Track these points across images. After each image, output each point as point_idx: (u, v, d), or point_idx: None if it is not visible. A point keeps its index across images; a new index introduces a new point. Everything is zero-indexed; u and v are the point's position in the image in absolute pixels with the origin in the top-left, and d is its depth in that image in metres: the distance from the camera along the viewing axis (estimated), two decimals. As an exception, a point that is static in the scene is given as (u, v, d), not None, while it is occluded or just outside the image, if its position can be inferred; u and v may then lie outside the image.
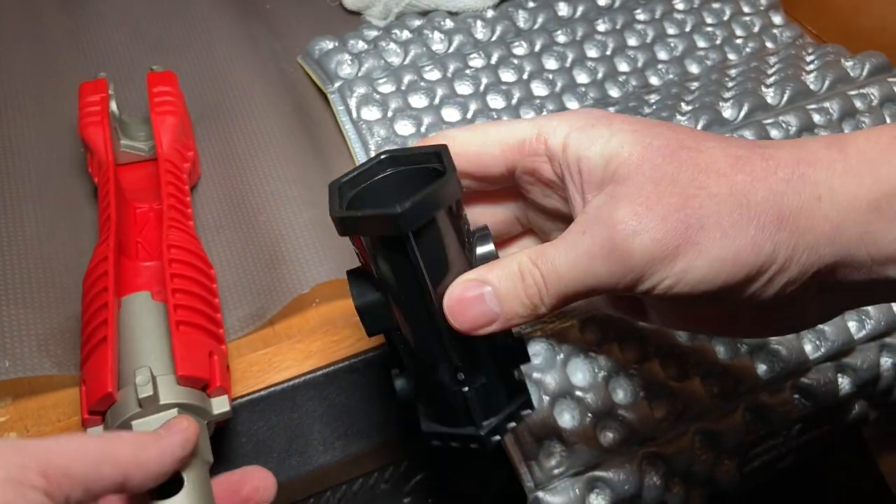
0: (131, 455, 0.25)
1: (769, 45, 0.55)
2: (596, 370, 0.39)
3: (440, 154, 0.27)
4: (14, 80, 0.48)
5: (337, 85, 0.49)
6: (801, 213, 0.24)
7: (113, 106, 0.41)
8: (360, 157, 0.46)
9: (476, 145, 0.29)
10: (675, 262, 0.24)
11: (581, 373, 0.39)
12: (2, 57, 0.49)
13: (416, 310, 0.27)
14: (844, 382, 0.43)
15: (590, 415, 0.38)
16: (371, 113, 0.48)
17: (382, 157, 0.28)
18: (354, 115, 0.48)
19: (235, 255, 0.41)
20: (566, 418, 0.38)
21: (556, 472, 0.37)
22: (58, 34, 0.51)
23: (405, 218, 0.25)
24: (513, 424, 0.29)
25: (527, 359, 0.29)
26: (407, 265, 0.26)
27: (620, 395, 0.39)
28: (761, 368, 0.41)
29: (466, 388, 0.27)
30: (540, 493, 0.36)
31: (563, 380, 0.38)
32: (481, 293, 0.26)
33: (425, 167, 0.28)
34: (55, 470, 0.24)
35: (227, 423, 0.36)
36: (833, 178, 0.24)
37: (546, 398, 0.38)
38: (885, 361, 0.44)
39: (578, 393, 0.38)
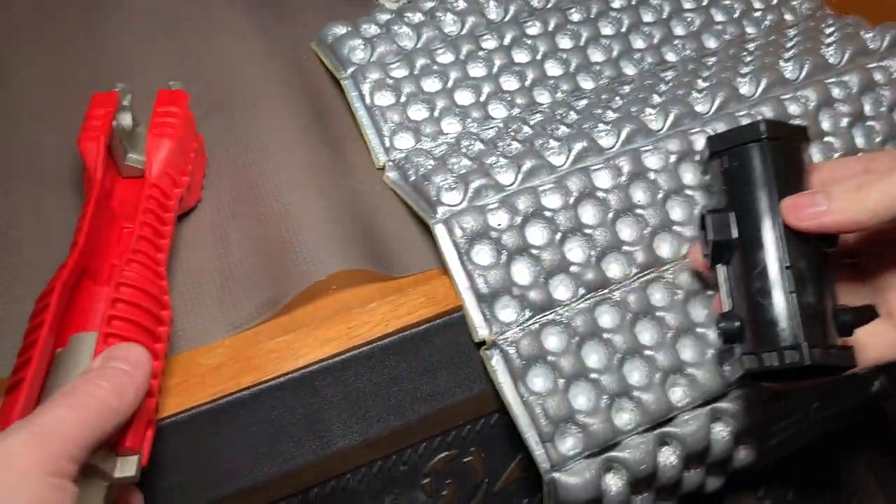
0: (117, 403, 0.27)
1: (788, 17, 0.54)
2: (611, 352, 0.39)
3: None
4: (32, 86, 0.48)
5: (350, 70, 0.49)
6: None
7: (126, 119, 0.40)
8: (375, 144, 0.47)
9: None
10: None
11: (596, 354, 0.39)
12: (21, 63, 0.49)
13: (759, 210, 0.34)
14: (864, 360, 0.43)
15: (605, 396, 0.38)
16: (384, 98, 0.48)
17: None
18: (368, 100, 0.48)
19: (250, 243, 0.42)
20: (581, 400, 0.38)
21: (571, 453, 0.37)
22: (77, 38, 0.51)
23: (767, 125, 0.35)
24: (836, 364, 0.32)
25: (849, 331, 0.33)
26: (760, 168, 0.35)
27: (636, 376, 0.39)
28: (778, 348, 0.41)
29: (794, 294, 0.32)
30: (556, 475, 0.37)
31: (578, 362, 0.39)
32: (815, 195, 0.33)
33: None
34: (78, 450, 0.25)
35: (247, 409, 0.36)
36: None
37: (561, 381, 0.38)
38: (907, 338, 0.43)
39: (593, 375, 0.38)
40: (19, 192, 0.43)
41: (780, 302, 0.33)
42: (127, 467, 0.29)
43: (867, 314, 0.34)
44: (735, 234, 0.34)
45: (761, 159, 0.35)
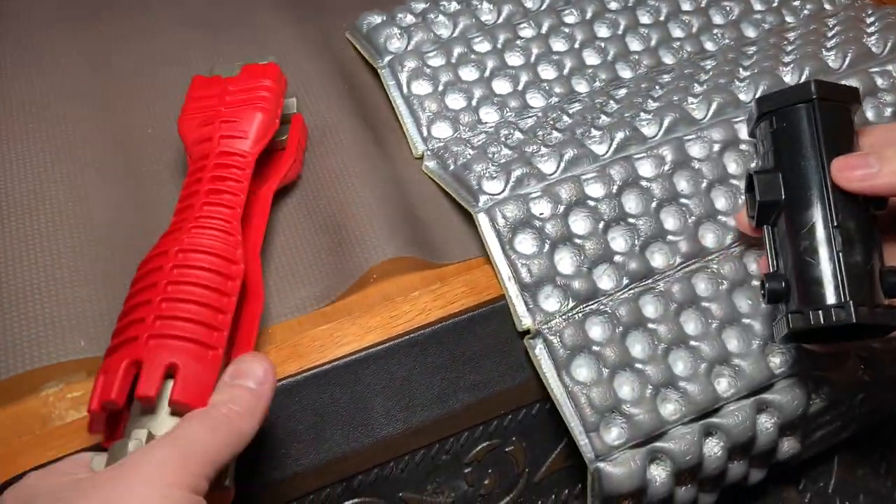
0: (248, 427, 0.28)
1: (827, 6, 0.53)
2: (655, 342, 0.39)
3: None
4: (83, 72, 0.48)
5: (387, 59, 0.49)
6: None
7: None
8: (413, 133, 0.46)
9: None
10: None
11: (640, 345, 0.39)
12: (63, 47, 0.49)
13: (807, 170, 0.34)
14: (910, 352, 0.42)
15: (650, 387, 0.38)
16: (422, 87, 0.48)
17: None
18: (405, 89, 0.48)
19: (298, 235, 0.41)
20: (626, 391, 0.38)
21: (616, 443, 0.37)
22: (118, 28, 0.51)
23: (818, 85, 0.35)
24: (884, 323, 0.32)
25: None
26: (809, 127, 0.35)
27: (680, 366, 0.39)
28: (825, 339, 0.40)
29: (841, 252, 0.32)
30: (601, 464, 0.37)
31: (623, 352, 0.38)
32: (867, 156, 0.33)
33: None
34: (213, 470, 0.26)
35: (292, 396, 0.37)
36: None
37: (606, 370, 0.38)
38: (953, 330, 0.43)
39: (638, 365, 0.38)
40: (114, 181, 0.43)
41: (827, 261, 0.33)
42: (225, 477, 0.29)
43: None
44: (783, 194, 0.34)
45: (810, 120, 0.35)
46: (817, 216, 0.33)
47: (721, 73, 0.47)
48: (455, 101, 0.47)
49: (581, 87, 0.49)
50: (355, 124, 0.46)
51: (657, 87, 0.47)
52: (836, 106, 0.35)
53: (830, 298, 0.32)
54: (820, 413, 0.41)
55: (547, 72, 0.49)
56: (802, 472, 0.45)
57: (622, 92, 0.48)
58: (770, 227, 0.35)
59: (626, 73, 0.50)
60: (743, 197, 0.42)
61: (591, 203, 0.41)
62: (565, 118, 0.46)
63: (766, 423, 0.39)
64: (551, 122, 0.46)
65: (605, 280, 0.40)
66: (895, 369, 0.42)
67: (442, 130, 0.46)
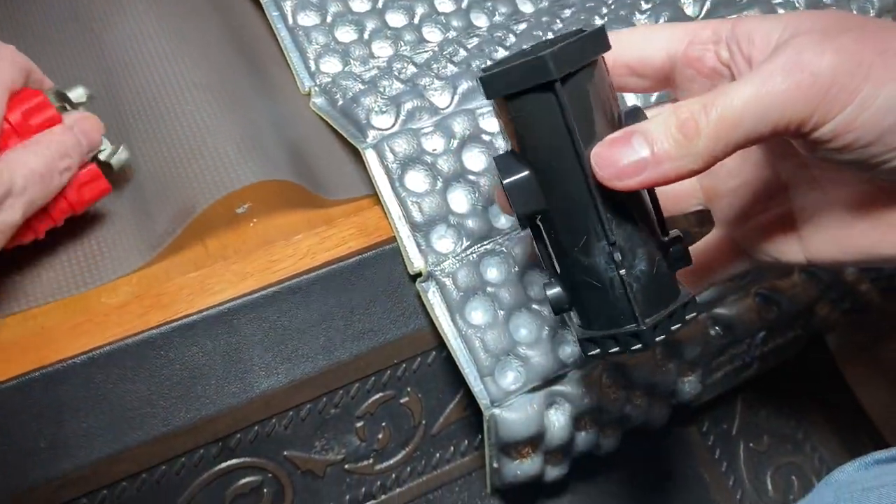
0: None
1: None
2: (553, 282, 0.37)
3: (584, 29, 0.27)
4: None
5: (270, -12, 0.45)
6: None
7: None
8: (299, 67, 0.43)
9: (640, 37, 0.29)
10: (867, 82, 0.23)
11: (537, 286, 0.37)
12: None
13: (566, 173, 0.26)
14: (810, 287, 0.42)
15: (547, 328, 0.36)
16: (308, 18, 0.44)
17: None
18: (290, 21, 0.44)
19: (157, 161, 0.37)
20: (523, 333, 0.36)
21: (512, 388, 0.35)
22: None
23: (556, 59, 0.25)
24: (678, 326, 0.27)
25: (688, 261, 0.28)
26: (555, 119, 0.25)
27: (579, 306, 0.37)
28: (725, 275, 0.39)
29: (623, 272, 0.26)
30: (497, 411, 0.35)
31: (519, 293, 0.36)
32: (629, 138, 0.25)
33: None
34: None
35: (157, 349, 0.33)
36: None
37: (501, 312, 0.36)
38: (851, 266, 0.43)
39: (535, 306, 0.36)
40: None
41: (610, 283, 0.27)
42: None
43: (700, 226, 0.30)
44: (544, 203, 0.27)
45: (556, 110, 0.25)
46: (589, 231, 0.27)
47: (622, 5, 0.45)
48: (345, 33, 0.44)
49: (480, 20, 0.46)
50: (229, 54, 0.42)
51: (558, 21, 0.45)
52: (585, 75, 0.26)
53: (621, 323, 0.27)
54: (720, 352, 0.40)
55: (444, 4, 0.46)
56: (706, 414, 0.45)
57: (523, 26, 0.45)
58: (539, 223, 0.28)
59: (527, 7, 0.47)
60: None
61: (487, 138, 0.39)
62: (462, 52, 0.43)
63: (665, 363, 0.38)
64: (447, 56, 0.43)
65: (501, 218, 0.38)
66: (796, 307, 0.42)
67: (331, 65, 0.43)
